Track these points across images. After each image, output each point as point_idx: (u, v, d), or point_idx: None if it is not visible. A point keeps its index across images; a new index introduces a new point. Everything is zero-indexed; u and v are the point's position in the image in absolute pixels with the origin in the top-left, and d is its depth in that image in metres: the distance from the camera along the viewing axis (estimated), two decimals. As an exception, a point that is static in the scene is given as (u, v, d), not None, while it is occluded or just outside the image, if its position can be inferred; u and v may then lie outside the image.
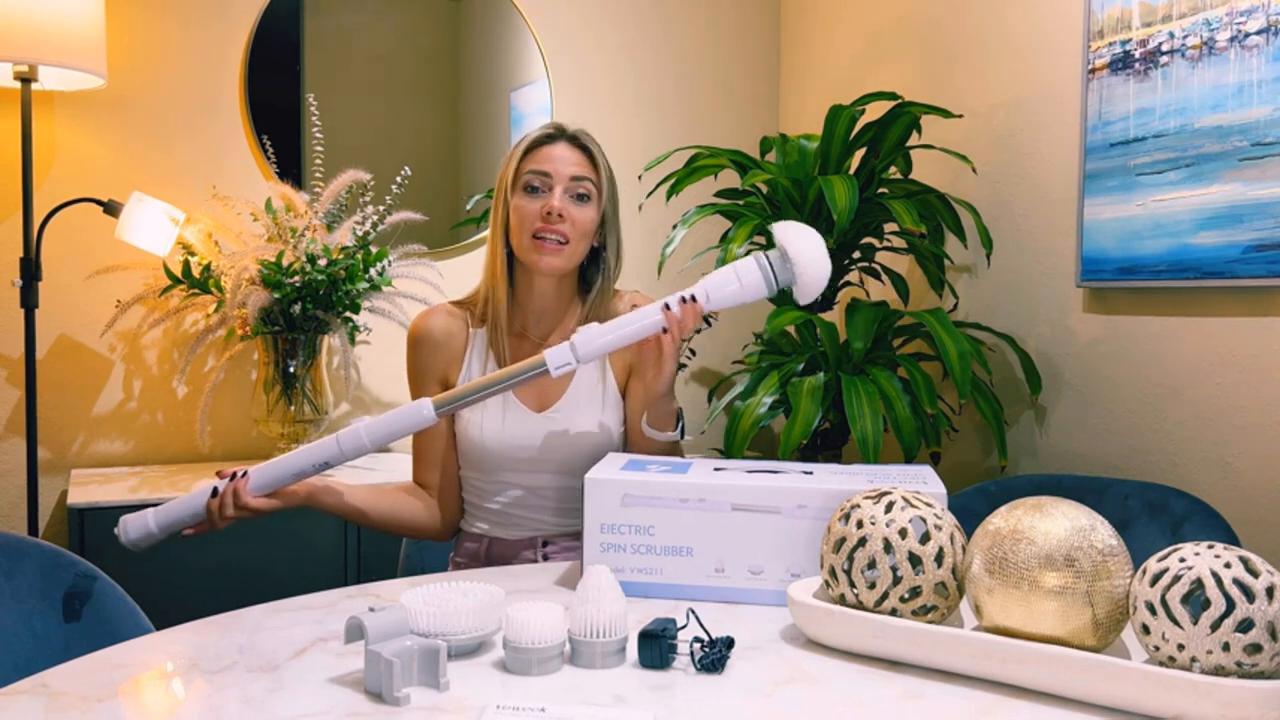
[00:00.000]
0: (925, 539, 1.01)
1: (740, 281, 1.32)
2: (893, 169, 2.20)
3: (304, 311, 2.16)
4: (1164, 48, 1.78)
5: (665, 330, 1.33)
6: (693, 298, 1.32)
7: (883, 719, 0.89)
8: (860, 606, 1.03)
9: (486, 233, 2.63)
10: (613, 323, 1.34)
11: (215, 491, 1.34)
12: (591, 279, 1.55)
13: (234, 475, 1.34)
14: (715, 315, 2.41)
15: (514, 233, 1.48)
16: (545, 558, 1.51)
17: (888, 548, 1.01)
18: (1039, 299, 2.11)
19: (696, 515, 1.20)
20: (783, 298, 2.20)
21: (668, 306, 1.33)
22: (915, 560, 1.00)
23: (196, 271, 2.20)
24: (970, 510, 1.57)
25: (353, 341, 2.31)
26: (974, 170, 2.18)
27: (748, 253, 2.08)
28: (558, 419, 1.49)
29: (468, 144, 2.68)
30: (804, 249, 1.31)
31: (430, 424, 1.34)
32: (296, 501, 1.39)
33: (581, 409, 1.50)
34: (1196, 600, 0.87)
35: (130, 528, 1.35)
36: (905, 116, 2.07)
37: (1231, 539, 1.51)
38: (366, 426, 1.32)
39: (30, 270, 2.10)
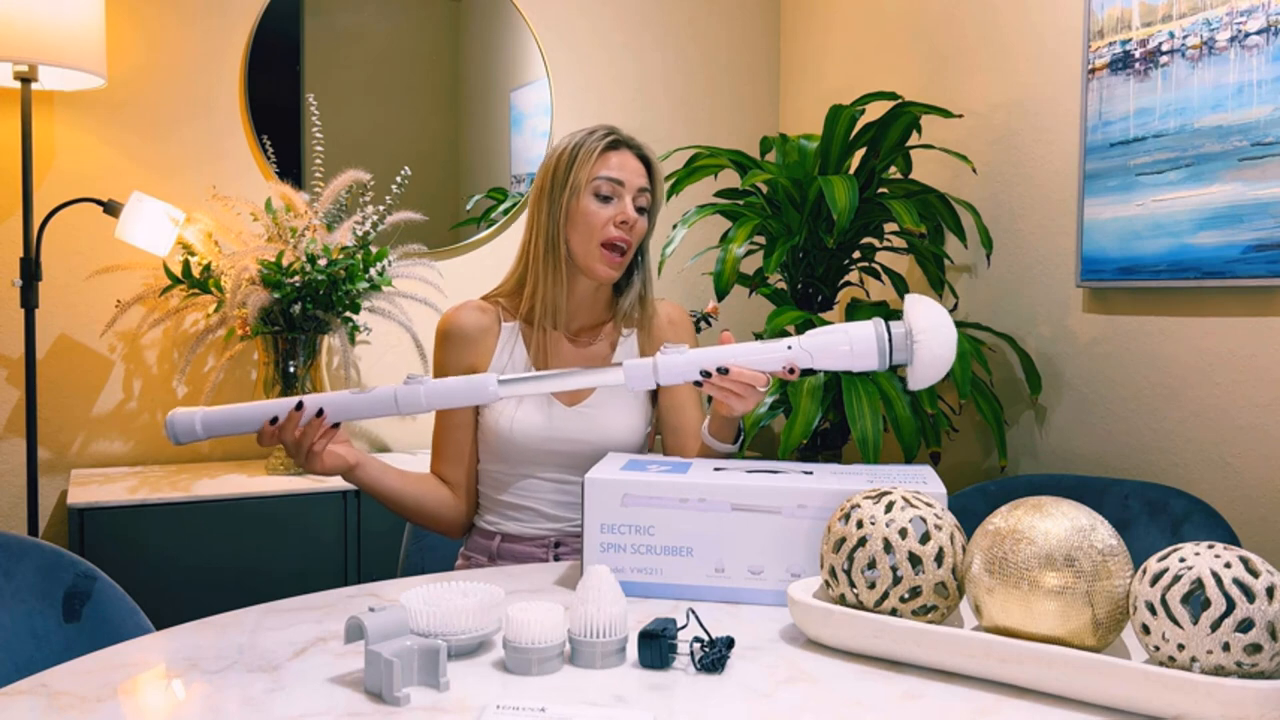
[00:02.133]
0: (925, 539, 1.01)
1: (851, 347, 1.25)
2: (893, 169, 2.20)
3: (304, 311, 2.16)
4: (1164, 48, 1.78)
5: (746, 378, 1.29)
6: (793, 367, 1.28)
7: (883, 719, 0.89)
8: (860, 606, 1.03)
9: (487, 232, 2.66)
10: (708, 352, 1.29)
11: (275, 419, 1.33)
12: (621, 280, 1.56)
13: (299, 405, 1.33)
14: (715, 315, 2.41)
15: (578, 236, 1.47)
16: (557, 558, 1.51)
17: (888, 548, 1.01)
18: (1039, 299, 2.11)
19: (696, 515, 1.20)
20: (780, 297, 2.20)
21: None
22: (915, 560, 1.00)
23: (196, 271, 2.20)
24: (970, 510, 1.57)
25: (353, 341, 2.30)
26: (974, 170, 2.18)
27: (747, 254, 2.09)
28: (588, 414, 1.50)
29: (468, 144, 2.68)
30: (933, 335, 1.22)
31: (492, 400, 1.34)
32: (342, 467, 1.40)
33: (613, 405, 1.51)
34: (1196, 600, 0.87)
35: (177, 427, 1.35)
36: (905, 116, 2.07)
37: (1231, 539, 1.50)
38: (427, 389, 1.32)
39: (30, 270, 2.10)
